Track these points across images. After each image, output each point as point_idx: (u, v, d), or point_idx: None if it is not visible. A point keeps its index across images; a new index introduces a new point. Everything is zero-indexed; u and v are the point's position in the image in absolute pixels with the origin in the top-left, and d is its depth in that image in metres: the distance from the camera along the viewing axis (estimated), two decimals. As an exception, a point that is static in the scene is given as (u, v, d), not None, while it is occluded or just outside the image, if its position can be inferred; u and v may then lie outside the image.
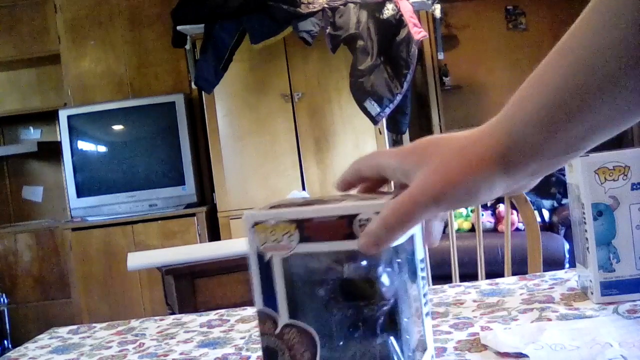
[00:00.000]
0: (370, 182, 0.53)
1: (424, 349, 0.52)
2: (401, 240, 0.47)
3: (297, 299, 0.51)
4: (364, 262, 0.49)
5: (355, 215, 0.47)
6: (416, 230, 0.50)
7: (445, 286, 0.94)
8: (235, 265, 2.06)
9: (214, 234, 3.75)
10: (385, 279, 0.49)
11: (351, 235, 0.47)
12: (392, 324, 0.50)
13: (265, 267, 0.50)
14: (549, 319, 0.70)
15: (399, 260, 0.50)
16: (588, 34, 0.39)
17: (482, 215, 3.49)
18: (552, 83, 0.41)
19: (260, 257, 0.51)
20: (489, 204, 3.58)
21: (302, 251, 0.49)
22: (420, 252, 0.51)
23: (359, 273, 0.50)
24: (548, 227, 3.64)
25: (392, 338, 0.50)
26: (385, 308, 0.49)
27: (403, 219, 0.44)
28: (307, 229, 0.49)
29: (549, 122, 0.41)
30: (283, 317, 0.51)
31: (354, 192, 0.54)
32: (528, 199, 1.37)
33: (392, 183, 0.54)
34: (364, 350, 0.50)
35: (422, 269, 0.51)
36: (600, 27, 0.38)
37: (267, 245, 0.50)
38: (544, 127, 0.41)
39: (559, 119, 0.40)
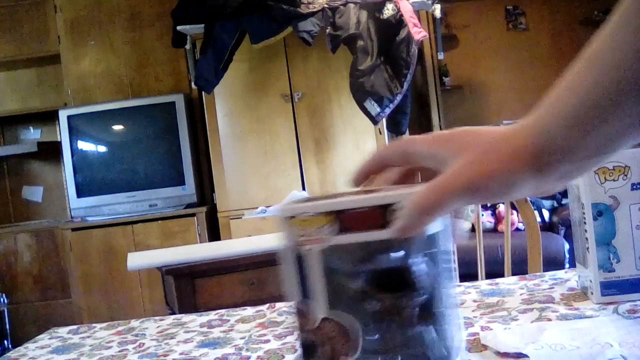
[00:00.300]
0: (394, 171, 0.53)
1: (456, 338, 0.53)
2: (434, 228, 0.48)
3: (333, 291, 0.50)
4: (400, 253, 0.50)
5: (392, 204, 0.47)
6: (446, 221, 0.51)
7: (445, 286, 0.94)
8: (235, 265, 2.06)
9: (214, 234, 3.75)
10: (421, 270, 0.49)
11: (389, 225, 0.48)
12: (428, 314, 0.50)
13: (301, 261, 0.50)
14: (549, 319, 0.70)
15: (433, 250, 0.50)
16: (616, 39, 0.40)
17: (482, 215, 3.49)
18: (582, 85, 0.42)
19: (296, 250, 0.50)
20: (488, 204, 3.58)
21: (339, 243, 0.49)
22: (449, 243, 0.51)
23: (395, 264, 0.50)
24: (548, 227, 3.64)
25: (428, 327, 0.50)
26: (421, 298, 0.50)
27: (435, 204, 0.45)
28: (344, 220, 0.49)
29: (579, 124, 0.42)
30: (321, 311, 0.50)
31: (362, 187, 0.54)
32: (528, 199, 1.37)
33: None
34: (401, 340, 0.50)
35: (451, 260, 0.52)
36: (629, 32, 0.39)
37: (303, 238, 0.50)
38: (574, 129, 0.42)
39: (589, 120, 0.41)
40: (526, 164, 0.44)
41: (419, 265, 0.49)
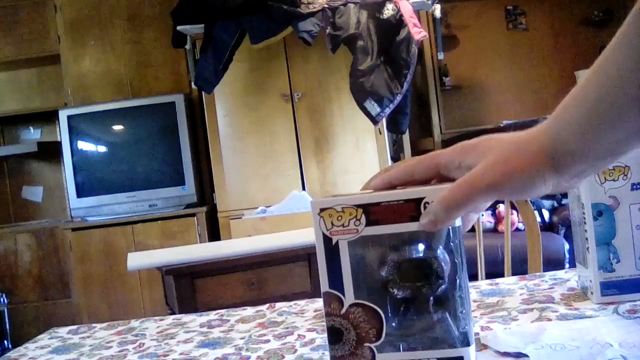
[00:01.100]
0: (418, 183, 0.57)
1: (470, 324, 0.55)
2: (457, 222, 0.52)
3: (361, 279, 0.54)
4: (423, 245, 0.53)
5: (421, 199, 0.51)
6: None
7: (445, 286, 0.93)
8: (235, 266, 2.06)
9: (214, 234, 3.75)
10: (443, 261, 0.53)
11: (417, 218, 0.52)
12: (447, 301, 0.53)
13: (332, 251, 0.54)
14: (549, 319, 0.70)
15: (454, 242, 0.53)
16: (618, 55, 0.44)
17: (482, 215, 3.49)
18: (589, 97, 0.47)
19: (327, 241, 0.54)
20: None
21: (368, 234, 0.53)
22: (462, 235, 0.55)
23: (418, 255, 0.54)
24: (548, 227, 3.64)
25: (445, 314, 0.53)
26: (442, 287, 0.53)
27: (462, 201, 0.50)
28: (374, 213, 0.53)
29: (588, 131, 0.47)
30: (349, 298, 0.54)
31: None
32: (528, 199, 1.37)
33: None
34: (421, 327, 0.54)
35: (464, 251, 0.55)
36: (629, 50, 0.43)
37: (334, 229, 0.54)
38: (582, 136, 0.47)
39: (595, 129, 0.46)
40: (544, 164, 0.49)
41: (441, 256, 0.53)
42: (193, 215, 3.75)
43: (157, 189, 3.82)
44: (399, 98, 3.24)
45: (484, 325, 0.71)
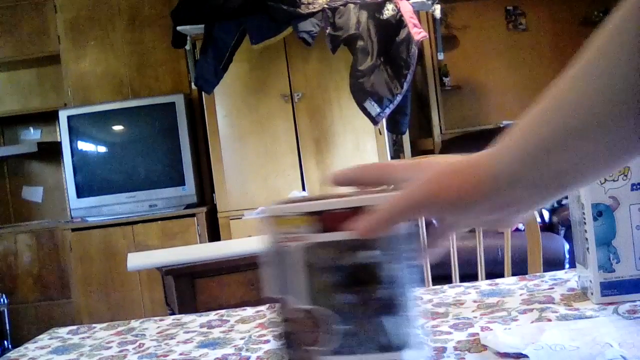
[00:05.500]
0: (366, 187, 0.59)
1: (416, 327, 0.56)
2: (398, 231, 0.52)
3: (310, 285, 0.55)
4: (371, 251, 0.54)
5: (371, 207, 0.52)
6: (413, 227, 0.55)
7: (445, 286, 0.94)
8: (235, 266, 2.06)
9: (214, 234, 3.75)
10: (388, 266, 0.54)
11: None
12: (393, 306, 0.54)
13: (282, 257, 0.55)
14: (549, 320, 0.70)
15: (398, 249, 0.54)
16: (560, 95, 0.47)
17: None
18: (530, 124, 0.48)
19: (278, 247, 0.55)
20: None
21: (318, 241, 0.54)
22: (413, 244, 0.56)
23: (366, 260, 0.54)
24: (548, 227, 3.64)
25: (390, 317, 0.54)
26: (388, 291, 0.54)
27: (396, 213, 0.51)
28: (324, 220, 0.53)
29: (524, 157, 0.47)
30: (299, 303, 0.55)
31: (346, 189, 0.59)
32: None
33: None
34: (367, 330, 0.54)
35: (414, 258, 0.56)
36: (589, 75, 0.44)
37: (285, 236, 0.54)
38: (521, 161, 0.47)
39: (538, 153, 0.46)
40: (477, 187, 0.48)
41: (388, 262, 0.54)
42: (193, 215, 3.75)
43: (157, 189, 3.82)
44: (399, 98, 3.24)
45: (483, 325, 0.71)
